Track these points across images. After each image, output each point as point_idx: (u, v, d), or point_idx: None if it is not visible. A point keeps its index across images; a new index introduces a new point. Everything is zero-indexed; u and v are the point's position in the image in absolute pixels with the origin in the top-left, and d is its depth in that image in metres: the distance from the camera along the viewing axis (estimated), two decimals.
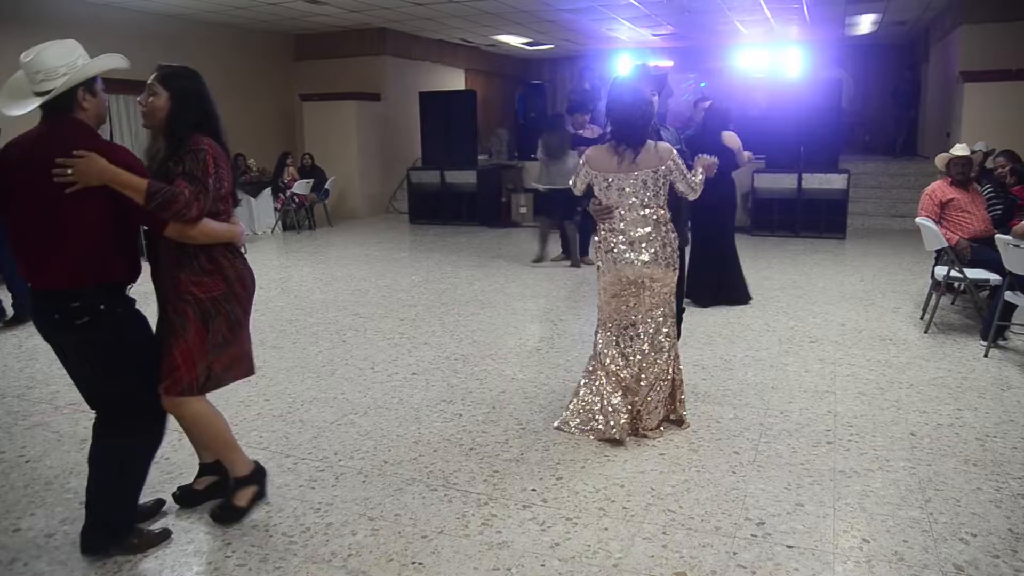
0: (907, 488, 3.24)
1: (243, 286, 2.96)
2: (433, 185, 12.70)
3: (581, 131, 8.80)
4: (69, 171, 2.50)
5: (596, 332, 3.98)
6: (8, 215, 2.67)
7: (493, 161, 13.61)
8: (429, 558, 2.79)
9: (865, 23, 13.32)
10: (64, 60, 2.61)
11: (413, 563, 2.76)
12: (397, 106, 13.96)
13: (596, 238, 3.91)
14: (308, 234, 11.96)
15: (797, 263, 8.67)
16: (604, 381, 3.86)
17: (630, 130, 3.67)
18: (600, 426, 3.80)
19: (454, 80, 16.24)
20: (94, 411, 2.88)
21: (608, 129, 3.88)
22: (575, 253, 8.70)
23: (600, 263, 3.87)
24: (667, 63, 16.35)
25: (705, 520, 3.01)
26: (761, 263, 8.68)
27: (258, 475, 3.16)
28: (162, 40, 10.93)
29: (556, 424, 3.95)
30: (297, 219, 12.21)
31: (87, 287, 2.64)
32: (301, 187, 11.90)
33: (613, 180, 3.74)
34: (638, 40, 15.36)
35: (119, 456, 2.83)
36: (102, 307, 2.67)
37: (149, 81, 2.81)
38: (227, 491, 3.14)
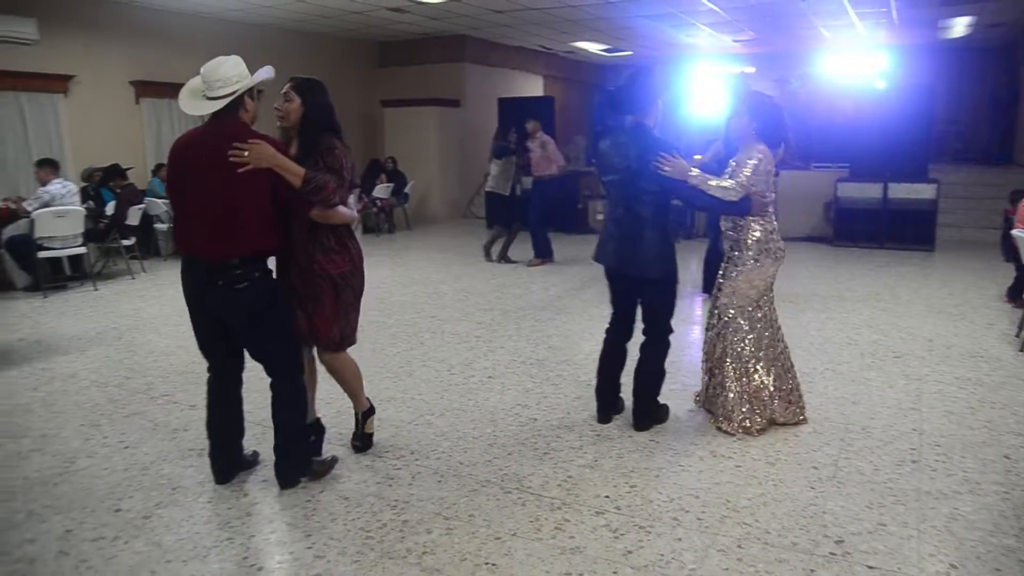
0: (1000, 514, 3.11)
1: (360, 261, 3.51)
2: None
3: (531, 140, 9.08)
4: (245, 153, 3.01)
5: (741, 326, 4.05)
6: (180, 197, 3.22)
7: (571, 168, 13.60)
8: (502, 559, 2.83)
9: (959, 26, 12.80)
10: (237, 71, 3.15)
11: (486, 563, 2.80)
12: (476, 112, 14.13)
13: (753, 236, 3.97)
14: (387, 237, 12.22)
15: (881, 275, 8.39)
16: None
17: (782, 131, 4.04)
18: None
19: (532, 86, 16.33)
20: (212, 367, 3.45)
21: (754, 128, 3.96)
22: (505, 252, 9.29)
23: (759, 258, 3.96)
24: (749, 70, 16.07)
25: (782, 535, 2.96)
26: (843, 274, 8.44)
27: (372, 407, 3.86)
28: (251, 48, 11.36)
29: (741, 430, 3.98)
30: (377, 222, 12.49)
31: (247, 257, 3.15)
32: (382, 191, 12.17)
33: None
34: (718, 46, 15.14)
35: (294, 403, 3.42)
36: (256, 274, 3.18)
37: (284, 89, 3.33)
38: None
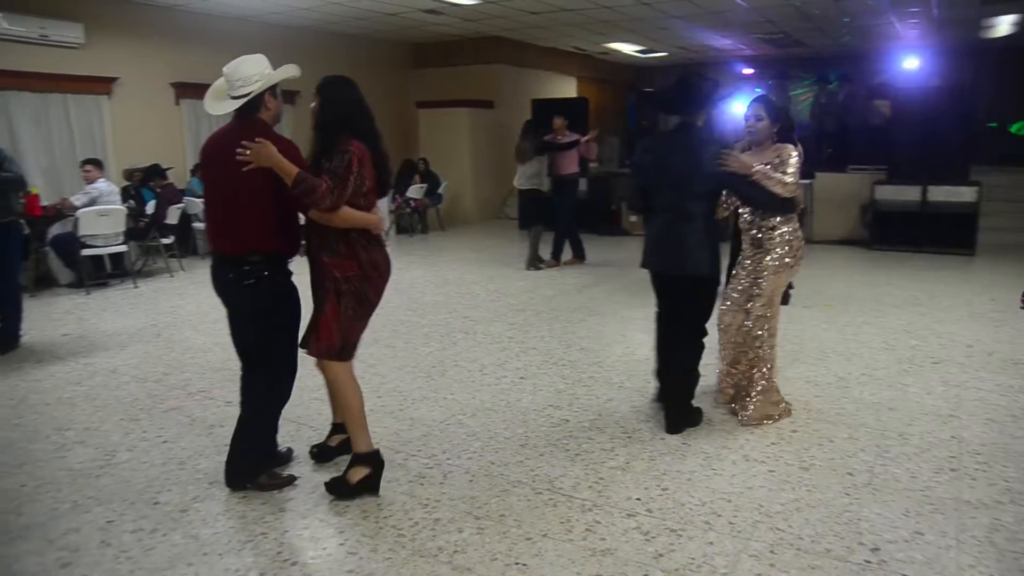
0: None
1: (375, 269, 3.28)
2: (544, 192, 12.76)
3: (560, 137, 8.97)
4: (248, 152, 3.00)
5: (773, 326, 4.15)
6: (207, 194, 3.34)
7: (604, 169, 13.58)
8: (532, 560, 2.83)
9: (1004, 25, 12.52)
10: (257, 69, 3.16)
11: (517, 563, 2.81)
12: (510, 113, 14.13)
13: (784, 236, 4.04)
14: (421, 238, 12.30)
15: (920, 279, 8.23)
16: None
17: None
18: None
19: (566, 88, 16.32)
20: (243, 364, 3.42)
21: (775, 130, 4.09)
22: (534, 257, 9.12)
23: (797, 255, 4.06)
24: (786, 70, 15.93)
25: (815, 541, 2.93)
26: (880, 278, 8.31)
27: (373, 459, 3.38)
28: (288, 50, 11.40)
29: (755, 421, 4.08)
30: (411, 223, 12.58)
31: (255, 254, 3.16)
32: (416, 191, 12.25)
33: None
34: (753, 47, 14.99)
35: (257, 403, 3.36)
36: (265, 273, 3.19)
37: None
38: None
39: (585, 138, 9.04)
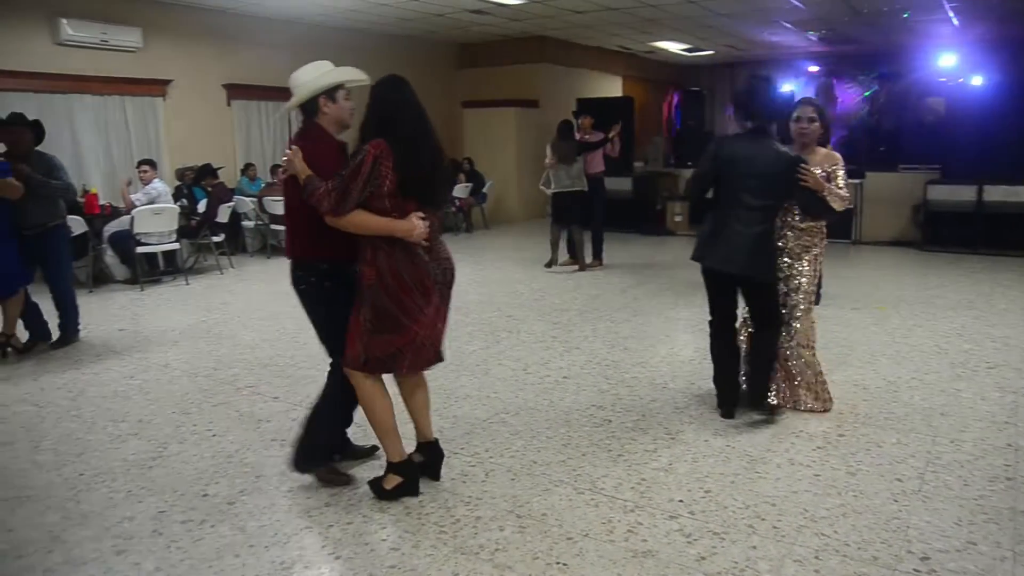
0: None
1: (395, 278, 3.05)
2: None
3: (587, 136, 8.92)
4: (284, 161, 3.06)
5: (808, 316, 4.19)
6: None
7: (649, 169, 13.49)
8: (574, 560, 2.84)
9: None
10: (309, 75, 3.17)
11: (558, 563, 2.81)
12: (555, 113, 14.07)
13: (823, 233, 4.17)
14: (465, 236, 12.37)
15: (975, 282, 8.00)
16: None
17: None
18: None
19: (611, 87, 16.23)
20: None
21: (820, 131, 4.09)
22: (583, 257, 9.00)
23: (822, 251, 4.19)
24: (837, 68, 15.62)
25: (862, 548, 2.88)
26: (932, 280, 8.10)
27: (405, 468, 3.33)
28: (337, 50, 11.60)
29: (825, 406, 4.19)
30: (456, 222, 12.66)
31: (303, 260, 3.24)
32: (460, 191, 12.34)
33: None
34: (804, 44, 14.73)
35: (324, 399, 3.43)
36: (312, 279, 3.22)
37: None
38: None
39: (611, 135, 8.96)
